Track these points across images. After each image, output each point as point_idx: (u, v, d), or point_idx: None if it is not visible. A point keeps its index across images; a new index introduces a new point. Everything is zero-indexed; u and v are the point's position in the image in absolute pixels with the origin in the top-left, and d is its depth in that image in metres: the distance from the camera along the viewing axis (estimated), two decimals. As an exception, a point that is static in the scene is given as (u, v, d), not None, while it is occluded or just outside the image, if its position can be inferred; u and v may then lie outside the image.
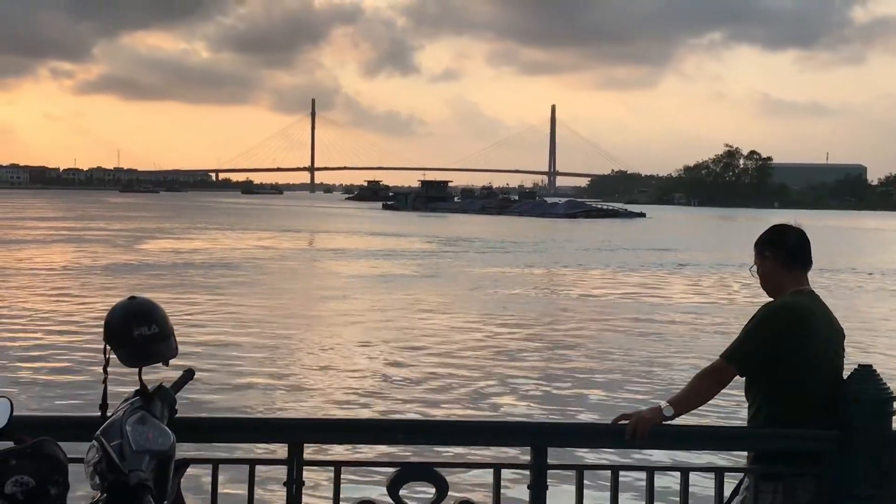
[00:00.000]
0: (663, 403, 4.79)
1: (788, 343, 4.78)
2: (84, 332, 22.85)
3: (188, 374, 4.34)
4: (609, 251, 61.89)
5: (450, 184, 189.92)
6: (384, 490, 4.65)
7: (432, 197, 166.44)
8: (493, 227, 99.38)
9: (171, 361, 4.11)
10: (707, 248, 65.08)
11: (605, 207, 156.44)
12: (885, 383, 4.77)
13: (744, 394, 4.99)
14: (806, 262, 5.02)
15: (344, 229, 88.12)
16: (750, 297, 28.08)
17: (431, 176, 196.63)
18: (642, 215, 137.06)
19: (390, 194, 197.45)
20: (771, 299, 5.00)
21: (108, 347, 4.05)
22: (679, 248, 64.35)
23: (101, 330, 4.06)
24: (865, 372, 4.78)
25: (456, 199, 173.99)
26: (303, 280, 39.49)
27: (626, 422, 4.74)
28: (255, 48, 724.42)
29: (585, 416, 15.55)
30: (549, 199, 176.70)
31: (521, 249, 62.08)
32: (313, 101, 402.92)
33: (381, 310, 29.66)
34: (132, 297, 4.13)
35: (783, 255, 4.99)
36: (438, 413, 15.84)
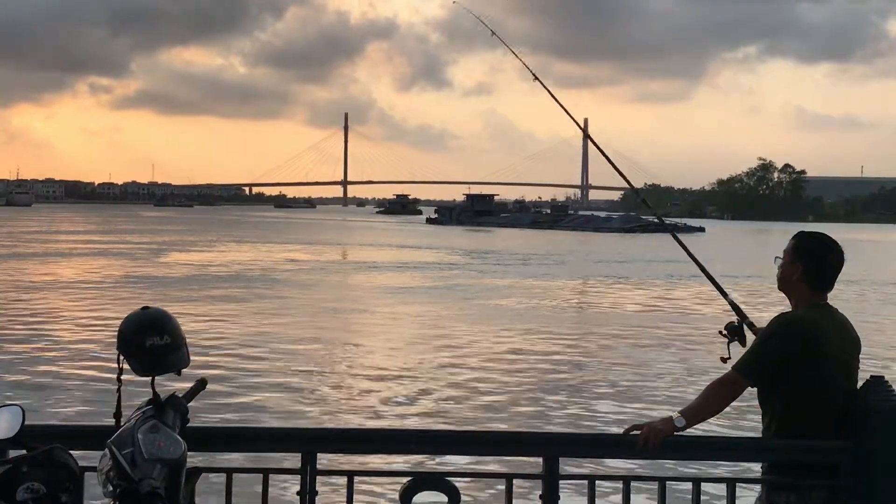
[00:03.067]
0: (675, 414, 4.79)
1: (800, 355, 4.75)
2: (98, 342, 23.04)
3: (200, 384, 4.40)
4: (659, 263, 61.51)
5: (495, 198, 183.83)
6: (397, 499, 4.68)
7: (479, 211, 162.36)
8: (544, 241, 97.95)
9: (184, 371, 4.19)
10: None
11: (663, 221, 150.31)
12: (897, 394, 4.75)
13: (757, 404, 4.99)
14: (832, 285, 4.98)
15: (378, 243, 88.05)
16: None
17: (463, 189, 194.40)
18: (701, 230, 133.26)
19: (434, 209, 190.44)
20: (782, 311, 4.99)
21: (121, 357, 4.12)
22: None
23: (115, 340, 4.13)
24: (878, 383, 4.77)
25: (503, 214, 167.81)
26: (317, 292, 39.44)
27: (638, 432, 4.75)
28: (290, 63, 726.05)
29: (597, 427, 15.53)
30: (603, 213, 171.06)
31: (543, 262, 61.98)
32: (346, 114, 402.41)
33: (396, 321, 29.92)
34: (145, 308, 4.20)
35: (814, 276, 4.93)
36: (450, 423, 15.82)
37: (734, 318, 5.37)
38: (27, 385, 18.14)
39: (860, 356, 5.00)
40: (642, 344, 25.87)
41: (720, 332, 5.34)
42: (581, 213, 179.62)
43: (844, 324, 4.96)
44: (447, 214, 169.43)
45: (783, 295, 5.08)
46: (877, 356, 22.08)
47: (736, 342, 5.29)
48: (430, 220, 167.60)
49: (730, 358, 5.24)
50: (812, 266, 4.93)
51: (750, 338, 5.13)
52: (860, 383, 4.85)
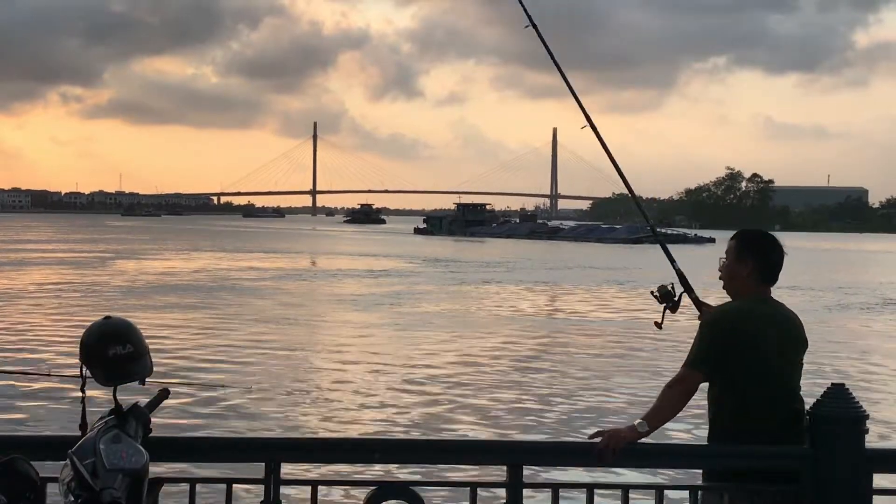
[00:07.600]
0: (637, 420, 4.81)
1: (739, 340, 4.89)
2: (64, 352, 22.83)
3: (163, 394, 4.38)
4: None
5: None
6: (361, 509, 4.67)
7: (470, 221, 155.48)
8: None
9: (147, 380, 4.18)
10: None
11: (671, 232, 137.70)
12: (857, 401, 4.80)
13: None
14: (776, 278, 5.15)
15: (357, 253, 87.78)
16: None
17: (435, 199, 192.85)
18: (711, 241, 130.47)
19: (423, 218, 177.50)
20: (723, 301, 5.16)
21: (84, 367, 4.11)
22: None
23: (77, 350, 4.12)
24: (839, 391, 4.81)
25: (494, 224, 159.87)
26: (269, 301, 39.13)
27: (599, 438, 4.77)
28: (263, 73, 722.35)
29: (560, 433, 15.55)
30: (605, 224, 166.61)
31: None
32: (315, 124, 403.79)
33: (360, 331, 29.84)
34: (107, 318, 4.19)
35: (762, 269, 5.11)
36: (414, 432, 15.72)
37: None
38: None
39: (805, 354, 5.13)
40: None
41: (651, 293, 5.56)
42: (547, 222, 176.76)
43: (791, 320, 5.09)
44: (437, 224, 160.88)
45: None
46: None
47: (666, 307, 5.52)
48: (418, 231, 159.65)
49: (662, 323, 5.52)
50: (760, 260, 5.12)
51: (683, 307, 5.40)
52: (821, 390, 4.91)
